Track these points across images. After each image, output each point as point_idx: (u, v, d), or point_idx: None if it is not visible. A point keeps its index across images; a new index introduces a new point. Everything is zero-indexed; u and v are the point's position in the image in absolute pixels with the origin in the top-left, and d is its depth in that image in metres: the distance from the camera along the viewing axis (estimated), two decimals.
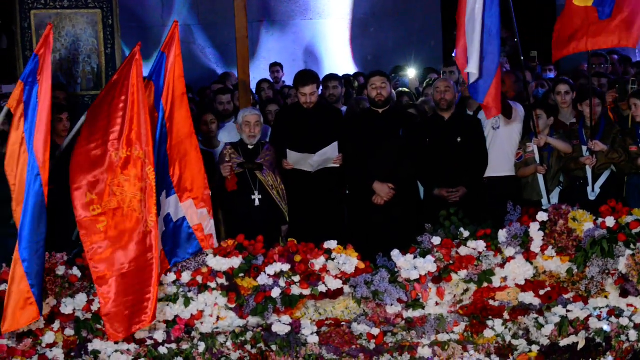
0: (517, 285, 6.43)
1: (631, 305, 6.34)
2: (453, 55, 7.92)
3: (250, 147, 7.74)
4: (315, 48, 14.66)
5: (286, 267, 6.32)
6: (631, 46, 7.31)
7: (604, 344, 6.19)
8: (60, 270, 6.09)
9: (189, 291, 6.26)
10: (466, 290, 6.42)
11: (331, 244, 6.47)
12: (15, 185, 5.58)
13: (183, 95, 5.98)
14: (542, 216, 6.45)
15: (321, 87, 9.15)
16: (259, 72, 12.83)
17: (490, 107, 6.91)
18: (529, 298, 6.41)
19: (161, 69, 5.88)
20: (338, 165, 7.85)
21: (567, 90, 8.25)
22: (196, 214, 6.10)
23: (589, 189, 7.63)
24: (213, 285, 6.30)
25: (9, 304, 5.58)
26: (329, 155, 7.79)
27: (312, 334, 6.25)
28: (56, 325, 6.12)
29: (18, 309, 5.58)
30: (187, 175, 6.06)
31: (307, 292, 6.30)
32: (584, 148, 7.69)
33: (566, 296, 6.40)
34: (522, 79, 8.59)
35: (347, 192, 8.18)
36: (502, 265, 6.42)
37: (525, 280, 6.42)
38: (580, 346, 6.22)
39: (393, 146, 7.74)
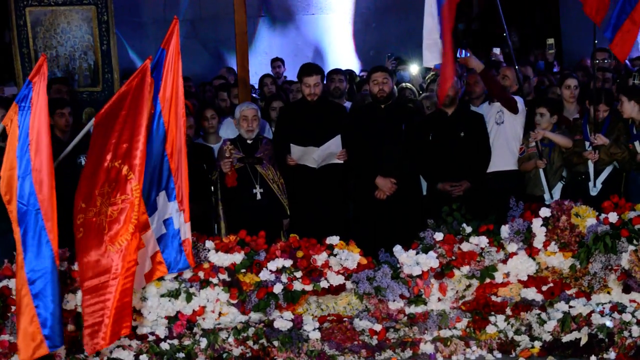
0: (519, 281, 6.43)
1: (634, 301, 6.34)
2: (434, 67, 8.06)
3: (249, 141, 7.73)
4: (317, 43, 14.64)
5: (288, 262, 6.32)
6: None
7: (606, 339, 6.18)
8: (62, 266, 6.06)
9: (191, 287, 6.25)
10: (468, 286, 6.41)
11: (333, 240, 6.46)
12: (12, 213, 5.40)
13: (182, 101, 5.83)
14: (544, 212, 6.44)
15: (325, 80, 9.13)
16: (260, 67, 12.80)
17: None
18: (531, 294, 6.40)
19: (160, 66, 5.83)
20: (342, 162, 7.82)
21: (576, 84, 8.24)
22: (184, 228, 5.92)
23: (591, 184, 7.61)
24: (215, 280, 6.29)
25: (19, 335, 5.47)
26: (332, 149, 7.76)
27: (314, 329, 6.25)
28: None
29: (31, 343, 5.47)
30: (181, 187, 5.88)
31: (309, 287, 6.29)
32: (587, 143, 7.66)
33: (569, 292, 6.40)
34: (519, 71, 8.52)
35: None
36: (504, 261, 6.41)
37: (528, 276, 6.42)
38: (582, 342, 6.21)
39: (395, 141, 7.71)
